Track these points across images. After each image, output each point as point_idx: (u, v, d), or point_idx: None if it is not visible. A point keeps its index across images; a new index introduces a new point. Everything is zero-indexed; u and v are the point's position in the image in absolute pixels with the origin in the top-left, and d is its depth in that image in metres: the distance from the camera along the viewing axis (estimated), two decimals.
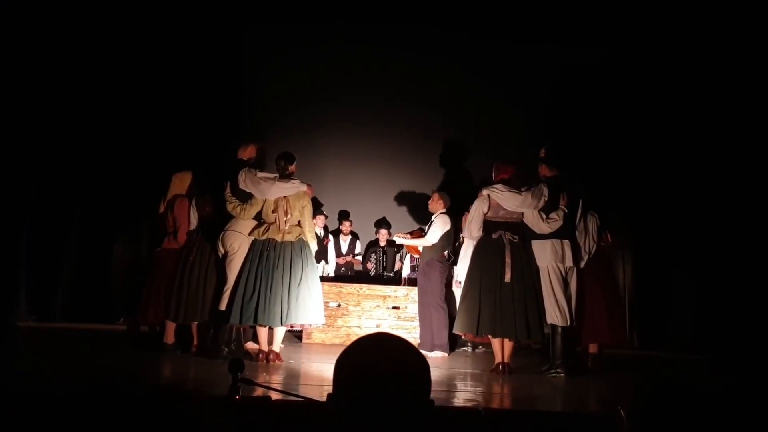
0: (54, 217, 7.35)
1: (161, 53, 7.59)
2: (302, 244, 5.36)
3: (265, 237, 5.32)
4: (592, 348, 5.61)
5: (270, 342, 5.36)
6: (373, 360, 1.18)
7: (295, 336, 6.91)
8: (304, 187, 5.48)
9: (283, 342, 6.42)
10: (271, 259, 5.24)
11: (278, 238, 5.30)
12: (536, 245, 5.35)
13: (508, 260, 5.23)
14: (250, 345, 5.79)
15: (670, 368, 6.10)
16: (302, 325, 5.68)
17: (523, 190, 5.38)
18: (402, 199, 8.43)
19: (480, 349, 6.67)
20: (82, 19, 7.14)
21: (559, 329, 5.22)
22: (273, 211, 5.36)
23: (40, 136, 7.11)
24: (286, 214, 5.32)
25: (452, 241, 6.60)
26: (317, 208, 7.21)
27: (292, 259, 5.26)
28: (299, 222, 5.40)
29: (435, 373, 4.93)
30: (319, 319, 5.44)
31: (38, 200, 7.22)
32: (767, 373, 4.93)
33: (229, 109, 7.76)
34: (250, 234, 5.39)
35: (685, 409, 1.34)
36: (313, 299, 5.32)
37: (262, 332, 5.33)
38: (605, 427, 2.82)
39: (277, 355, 5.32)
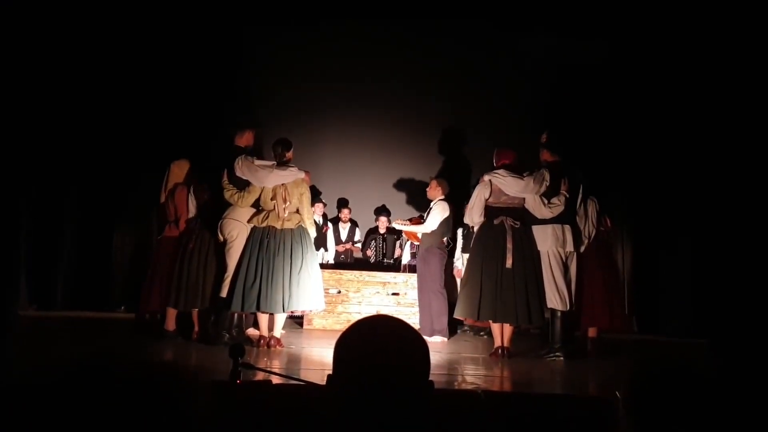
0: (53, 206, 7.35)
1: (158, 41, 7.54)
2: (302, 231, 5.37)
3: (264, 224, 5.33)
4: (591, 332, 5.64)
5: (271, 328, 5.40)
6: (373, 341, 1.19)
7: (296, 322, 6.94)
8: (302, 174, 5.47)
9: (283, 328, 6.47)
10: (271, 247, 5.26)
11: (278, 226, 5.31)
12: (537, 230, 5.36)
13: (509, 246, 5.25)
14: (251, 331, 5.82)
15: (668, 353, 6.13)
16: (303, 311, 5.71)
17: (525, 175, 5.38)
18: (401, 186, 8.42)
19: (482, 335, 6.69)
20: (81, 8, 7.09)
21: (559, 314, 5.25)
22: (272, 199, 5.36)
23: (37, 127, 7.08)
24: (284, 201, 5.32)
25: (451, 227, 6.62)
26: (315, 196, 7.20)
27: (293, 247, 5.28)
28: (298, 209, 5.41)
29: (435, 357, 4.96)
30: (320, 305, 5.49)
31: (37, 188, 7.21)
32: (763, 358, 4.96)
33: (225, 96, 7.73)
34: (249, 221, 5.40)
35: (680, 394, 1.35)
36: (314, 285, 5.35)
37: (263, 318, 5.37)
38: (603, 410, 2.84)
39: (278, 340, 5.35)
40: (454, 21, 7.82)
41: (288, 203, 5.33)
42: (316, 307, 5.50)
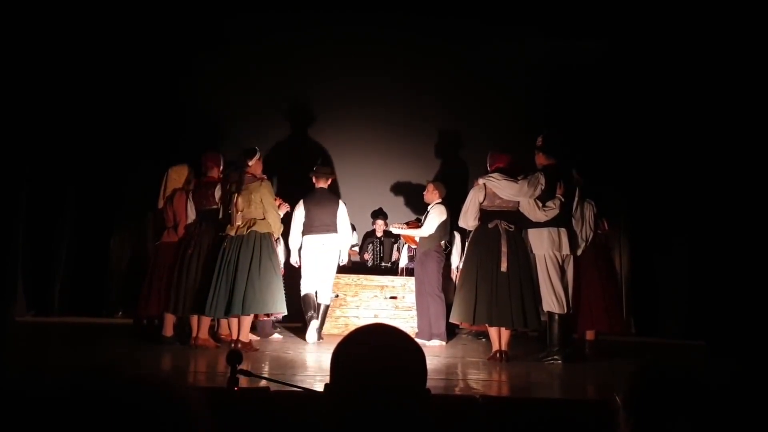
0: (50, 211, 7.33)
1: (156, 44, 7.54)
2: (256, 236, 5.40)
3: (224, 233, 5.48)
4: (589, 335, 5.64)
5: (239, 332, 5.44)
6: (370, 350, 1.19)
7: (287, 328, 6.90)
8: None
9: (280, 333, 6.45)
10: (226, 255, 5.38)
11: (231, 233, 5.43)
12: (533, 234, 5.35)
13: (504, 249, 5.24)
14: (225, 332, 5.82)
15: (666, 355, 6.13)
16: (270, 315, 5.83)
17: (519, 178, 5.38)
18: (398, 189, 8.42)
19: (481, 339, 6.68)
20: (80, 10, 7.07)
21: (557, 317, 5.24)
22: (228, 209, 5.49)
23: (34, 131, 7.05)
24: (237, 210, 5.41)
25: (449, 231, 6.62)
26: None
27: (241, 253, 5.35)
28: (264, 215, 5.45)
29: (433, 362, 4.96)
30: (280, 309, 5.52)
31: (34, 194, 7.19)
32: (761, 360, 4.96)
33: (222, 99, 7.73)
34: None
35: (678, 396, 1.35)
36: (271, 290, 5.38)
37: (225, 322, 5.57)
38: (602, 413, 2.83)
39: (246, 344, 5.32)
40: (452, 22, 7.82)
41: (242, 210, 5.40)
42: (275, 311, 5.53)
